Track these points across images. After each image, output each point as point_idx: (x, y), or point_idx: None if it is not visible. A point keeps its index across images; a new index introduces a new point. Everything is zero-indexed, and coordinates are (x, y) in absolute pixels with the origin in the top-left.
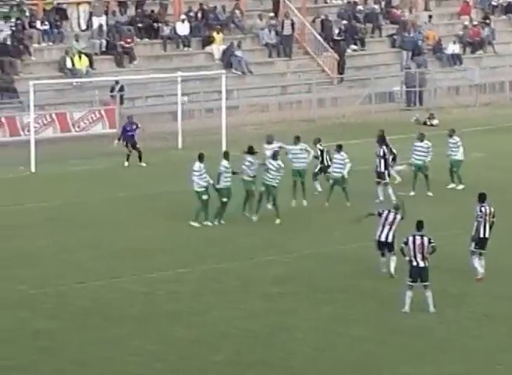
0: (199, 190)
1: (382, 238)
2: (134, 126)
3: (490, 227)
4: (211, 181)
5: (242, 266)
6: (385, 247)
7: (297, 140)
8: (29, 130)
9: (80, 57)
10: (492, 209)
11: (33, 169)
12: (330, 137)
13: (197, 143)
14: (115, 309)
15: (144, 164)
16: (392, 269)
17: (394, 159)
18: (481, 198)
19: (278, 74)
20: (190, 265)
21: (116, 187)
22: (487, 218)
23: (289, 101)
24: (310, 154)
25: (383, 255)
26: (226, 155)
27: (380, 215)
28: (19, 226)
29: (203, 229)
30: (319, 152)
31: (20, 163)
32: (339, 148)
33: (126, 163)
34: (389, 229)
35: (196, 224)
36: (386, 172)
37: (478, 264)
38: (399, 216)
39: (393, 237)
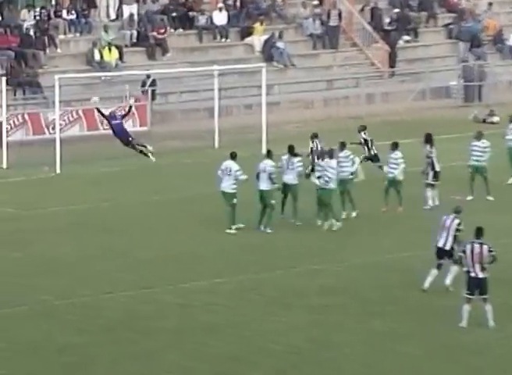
0: (232, 192)
1: (440, 244)
2: (118, 117)
3: None
4: (245, 177)
5: (283, 276)
6: (444, 255)
7: (342, 146)
8: (54, 128)
9: (109, 49)
10: None
11: (58, 170)
12: (380, 136)
13: (235, 142)
14: (146, 322)
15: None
16: (448, 281)
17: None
18: None
19: (323, 67)
20: (227, 274)
21: (147, 189)
22: None
23: (335, 97)
24: (356, 163)
25: (439, 266)
26: (270, 154)
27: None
28: (43, 231)
29: (239, 235)
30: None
31: (45, 163)
32: (395, 146)
33: (152, 158)
34: (447, 236)
35: (232, 231)
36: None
37: None
38: (457, 221)
39: (452, 244)
